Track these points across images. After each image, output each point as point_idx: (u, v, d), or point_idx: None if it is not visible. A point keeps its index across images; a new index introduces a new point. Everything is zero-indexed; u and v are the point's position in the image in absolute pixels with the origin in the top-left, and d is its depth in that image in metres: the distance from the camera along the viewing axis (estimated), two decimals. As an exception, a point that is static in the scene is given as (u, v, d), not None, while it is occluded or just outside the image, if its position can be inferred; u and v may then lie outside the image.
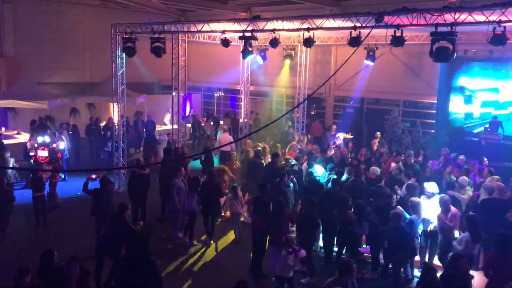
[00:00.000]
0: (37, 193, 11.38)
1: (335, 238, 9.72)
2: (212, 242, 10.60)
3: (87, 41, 21.64)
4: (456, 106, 16.44)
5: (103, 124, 18.46)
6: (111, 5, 21.83)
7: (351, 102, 21.63)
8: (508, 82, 15.36)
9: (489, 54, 14.95)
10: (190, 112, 22.54)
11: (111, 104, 15.50)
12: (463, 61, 16.03)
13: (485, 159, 12.43)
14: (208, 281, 9.02)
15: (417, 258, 9.08)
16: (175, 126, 15.40)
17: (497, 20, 8.44)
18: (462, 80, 16.35)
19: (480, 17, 8.67)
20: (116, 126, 14.92)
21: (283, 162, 12.23)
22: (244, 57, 13.01)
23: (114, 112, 15.01)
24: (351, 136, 18.51)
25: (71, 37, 21.30)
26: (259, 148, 13.24)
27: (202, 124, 22.17)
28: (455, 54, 8.91)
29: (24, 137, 16.80)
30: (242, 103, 19.33)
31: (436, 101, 17.67)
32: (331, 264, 9.34)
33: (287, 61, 17.90)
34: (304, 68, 18.42)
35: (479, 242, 7.95)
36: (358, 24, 10.04)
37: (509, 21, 8.36)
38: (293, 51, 17.05)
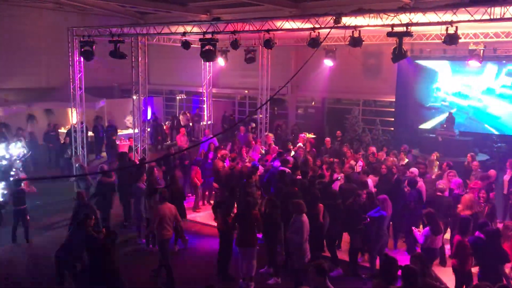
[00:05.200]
0: (17, 206, 10.66)
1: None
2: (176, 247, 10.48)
3: (43, 45, 20.99)
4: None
5: (61, 130, 17.95)
6: (67, 8, 21.24)
7: (313, 103, 21.90)
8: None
9: (443, 53, 15.47)
10: (151, 116, 22.21)
11: (70, 109, 15.12)
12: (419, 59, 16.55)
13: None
14: (175, 286, 8.91)
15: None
16: (136, 130, 15.19)
17: (450, 20, 8.77)
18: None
19: (434, 17, 8.98)
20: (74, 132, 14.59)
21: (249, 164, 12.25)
22: (204, 60, 12.95)
23: (73, 117, 14.67)
24: (314, 136, 18.70)
25: (26, 41, 20.60)
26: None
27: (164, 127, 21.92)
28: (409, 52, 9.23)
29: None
30: (204, 106, 19.23)
31: (394, 99, 18.14)
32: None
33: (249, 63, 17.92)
34: (265, 69, 18.50)
35: (438, 234, 8.22)
36: (317, 26, 10.19)
37: (460, 21, 8.70)
38: (254, 53, 17.07)
